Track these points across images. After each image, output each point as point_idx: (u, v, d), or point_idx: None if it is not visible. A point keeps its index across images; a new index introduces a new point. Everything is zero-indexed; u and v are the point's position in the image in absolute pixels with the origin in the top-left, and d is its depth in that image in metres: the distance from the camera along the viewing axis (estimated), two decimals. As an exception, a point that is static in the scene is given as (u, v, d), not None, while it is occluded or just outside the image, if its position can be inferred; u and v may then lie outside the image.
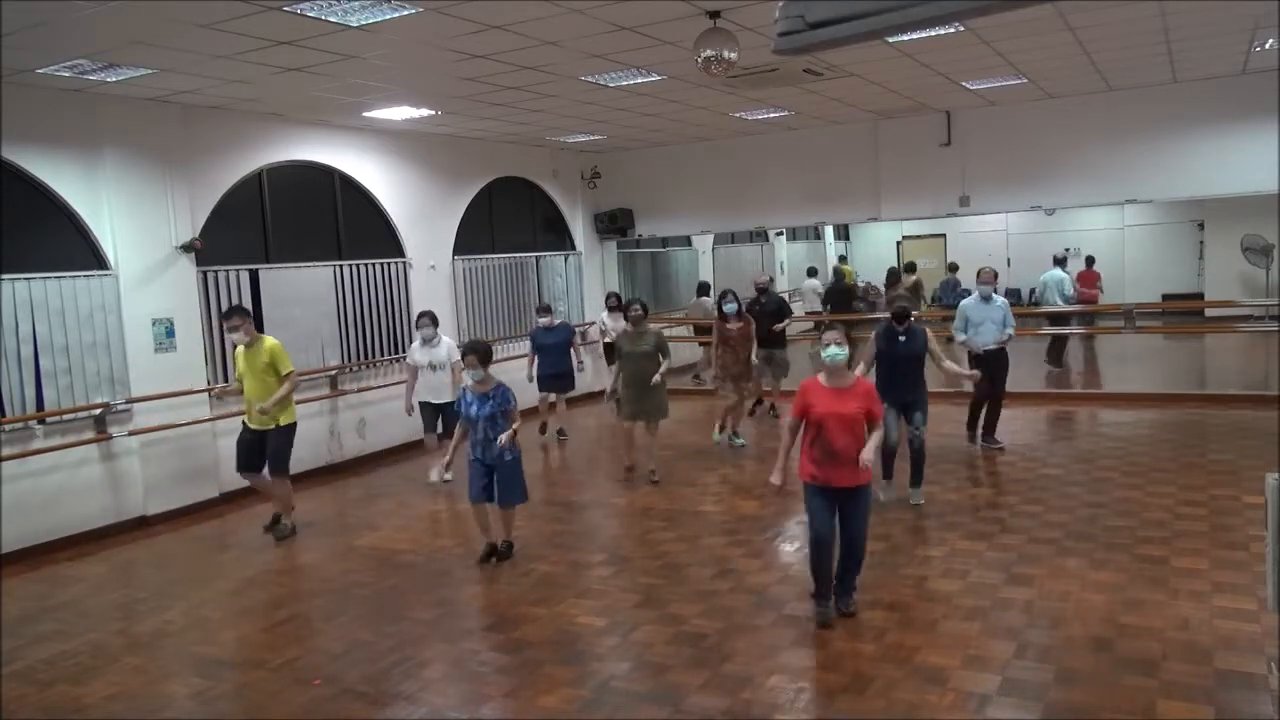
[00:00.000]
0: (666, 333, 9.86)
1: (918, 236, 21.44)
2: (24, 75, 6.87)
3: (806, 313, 16.11)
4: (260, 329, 8.19)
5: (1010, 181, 11.26)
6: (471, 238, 11.79)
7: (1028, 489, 7.39)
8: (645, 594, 5.63)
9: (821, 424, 4.91)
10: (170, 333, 8.23)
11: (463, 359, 6.36)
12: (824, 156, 12.19)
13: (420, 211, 10.99)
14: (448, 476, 8.37)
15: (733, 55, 6.44)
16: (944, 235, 21.06)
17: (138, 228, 7.97)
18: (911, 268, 16.21)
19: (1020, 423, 9.83)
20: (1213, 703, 3.99)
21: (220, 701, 4.63)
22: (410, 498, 8.44)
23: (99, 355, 7.75)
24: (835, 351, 4.98)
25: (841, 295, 14.98)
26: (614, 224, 13.59)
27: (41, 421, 7.39)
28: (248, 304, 8.76)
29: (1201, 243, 18.67)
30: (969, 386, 8.73)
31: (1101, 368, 14.58)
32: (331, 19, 5.97)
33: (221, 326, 8.05)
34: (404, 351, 10.01)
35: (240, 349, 7.19)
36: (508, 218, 12.50)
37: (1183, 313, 17.95)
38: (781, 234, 19.68)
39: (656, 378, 8.11)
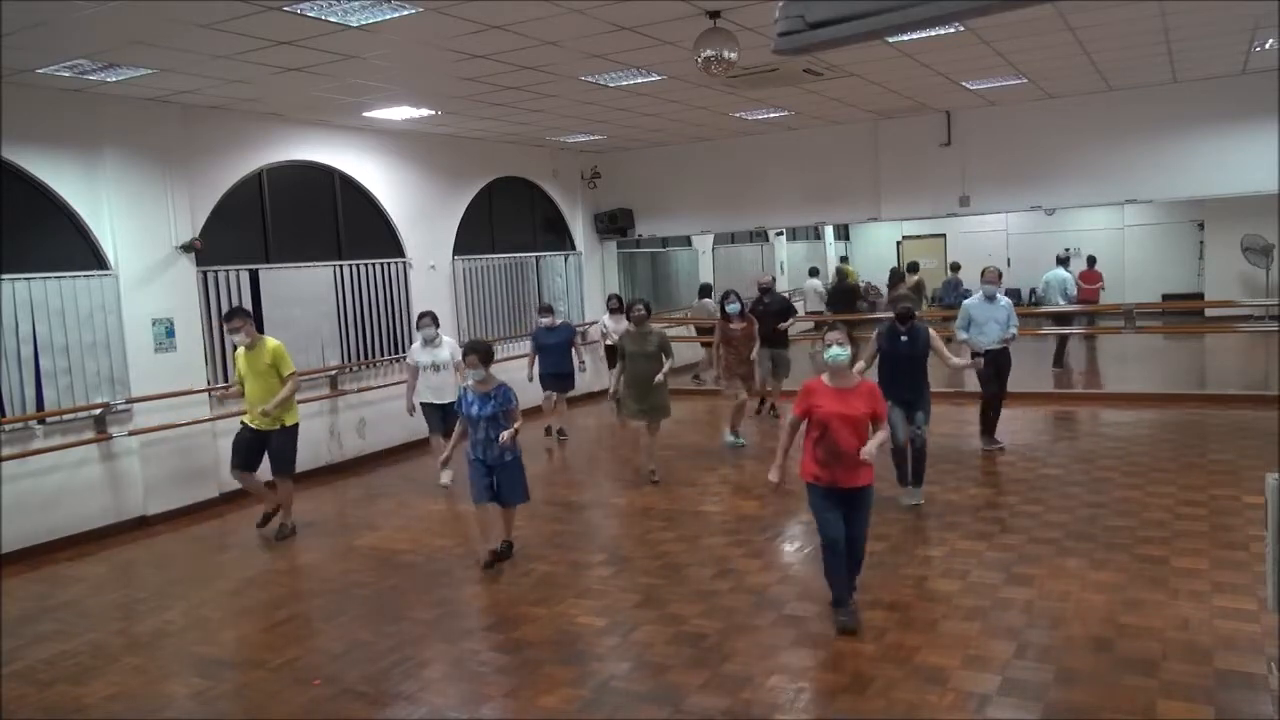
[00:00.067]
0: (668, 333, 9.85)
1: (918, 236, 21.42)
2: (24, 75, 6.87)
3: (808, 312, 16.11)
4: (260, 329, 8.19)
5: (1010, 181, 11.25)
6: (471, 238, 11.79)
7: (1028, 489, 7.39)
8: (645, 594, 5.63)
9: (826, 425, 4.87)
10: (170, 333, 8.23)
11: (464, 359, 6.34)
12: (824, 156, 12.19)
13: (420, 211, 10.99)
14: (448, 477, 8.37)
15: (733, 55, 6.44)
16: (944, 235, 21.05)
17: (138, 228, 7.98)
18: (915, 267, 16.24)
19: (1020, 423, 9.83)
20: (1213, 703, 3.99)
21: (220, 701, 4.63)
22: (410, 498, 8.44)
23: (99, 355, 7.75)
24: (838, 352, 4.95)
25: (845, 295, 15.00)
26: (614, 224, 13.58)
27: (41, 421, 7.39)
28: (248, 304, 8.77)
29: (1201, 243, 18.66)
30: (975, 384, 8.72)
31: (1102, 368, 14.58)
32: (331, 19, 5.97)
33: (221, 327, 8.06)
34: (404, 351, 10.01)
35: (241, 350, 7.19)
36: (508, 218, 12.50)
37: (1183, 313, 17.93)
38: (781, 234, 19.65)
39: (659, 378, 8.13)
